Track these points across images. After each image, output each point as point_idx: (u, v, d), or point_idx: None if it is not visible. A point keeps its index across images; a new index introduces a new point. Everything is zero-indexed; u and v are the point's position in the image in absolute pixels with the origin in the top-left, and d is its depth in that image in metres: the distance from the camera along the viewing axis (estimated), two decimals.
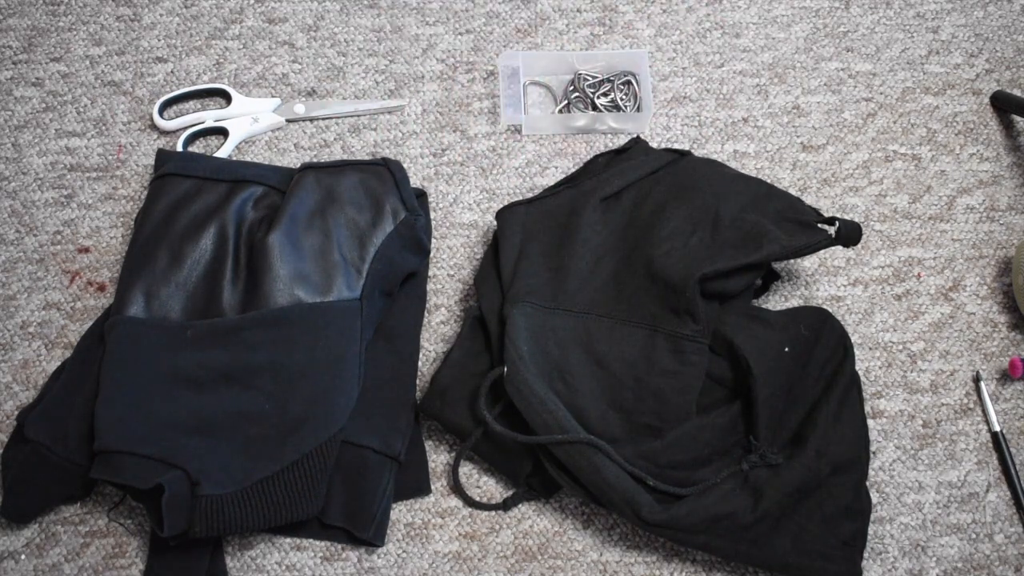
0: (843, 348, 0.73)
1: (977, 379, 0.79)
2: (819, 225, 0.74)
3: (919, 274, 0.83)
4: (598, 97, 0.89)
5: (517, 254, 0.76)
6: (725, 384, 0.73)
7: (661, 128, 0.88)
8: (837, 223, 0.73)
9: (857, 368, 0.75)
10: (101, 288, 0.81)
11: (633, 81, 0.89)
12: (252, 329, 0.71)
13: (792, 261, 0.83)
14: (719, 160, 0.87)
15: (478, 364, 0.73)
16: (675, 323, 0.71)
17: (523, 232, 0.77)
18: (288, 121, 0.87)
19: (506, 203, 0.84)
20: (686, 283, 0.70)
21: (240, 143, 0.86)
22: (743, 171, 0.85)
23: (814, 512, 0.68)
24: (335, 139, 0.87)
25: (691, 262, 0.71)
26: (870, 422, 0.77)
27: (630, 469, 0.67)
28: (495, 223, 0.81)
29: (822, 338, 0.73)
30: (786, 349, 0.72)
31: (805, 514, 0.68)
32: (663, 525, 0.66)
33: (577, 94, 0.89)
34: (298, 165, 0.83)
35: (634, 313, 0.72)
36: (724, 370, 0.73)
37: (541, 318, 0.72)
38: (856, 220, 0.84)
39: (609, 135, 0.88)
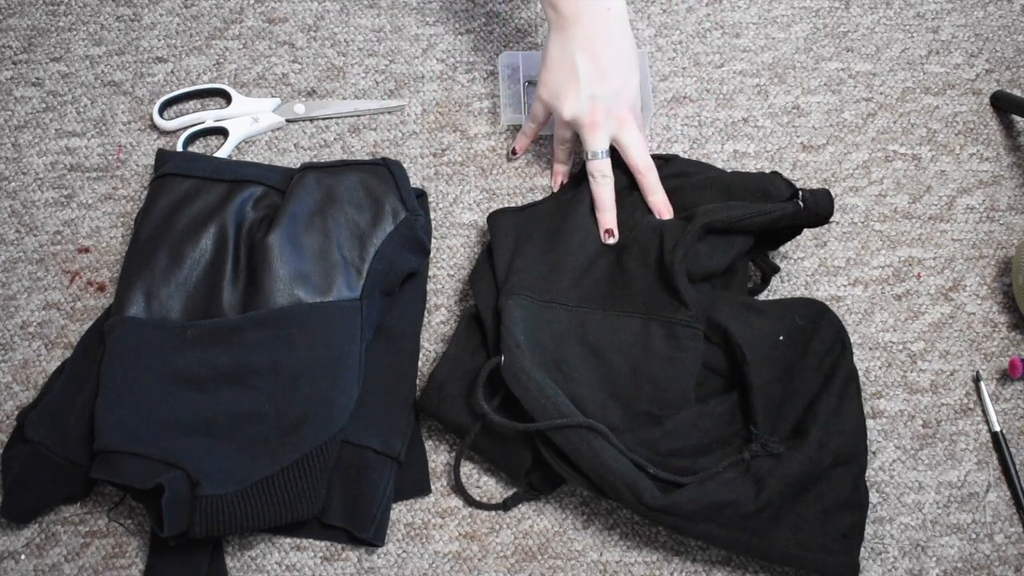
0: (841, 342, 0.73)
1: (977, 379, 0.79)
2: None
3: (919, 274, 0.83)
4: None
5: (512, 252, 0.76)
6: (722, 373, 0.74)
7: (661, 128, 0.88)
8: (801, 192, 0.73)
9: (857, 368, 0.75)
10: (101, 288, 0.81)
11: None
12: (252, 329, 0.71)
13: (792, 261, 0.83)
14: (713, 161, 0.87)
15: (474, 360, 0.73)
16: (668, 309, 0.71)
17: (516, 233, 0.78)
18: (288, 121, 0.87)
19: (506, 203, 0.84)
20: (670, 260, 0.71)
21: (240, 143, 0.86)
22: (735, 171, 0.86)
23: (814, 504, 0.68)
24: (335, 139, 0.87)
25: (669, 239, 0.72)
26: (870, 422, 0.77)
27: (631, 456, 0.67)
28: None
29: (820, 331, 0.74)
30: (780, 338, 0.73)
31: (805, 505, 0.68)
32: (665, 511, 0.66)
33: None
34: (298, 165, 0.83)
35: (627, 303, 0.73)
36: (720, 359, 0.74)
37: (536, 310, 0.72)
38: (856, 220, 0.85)
39: None
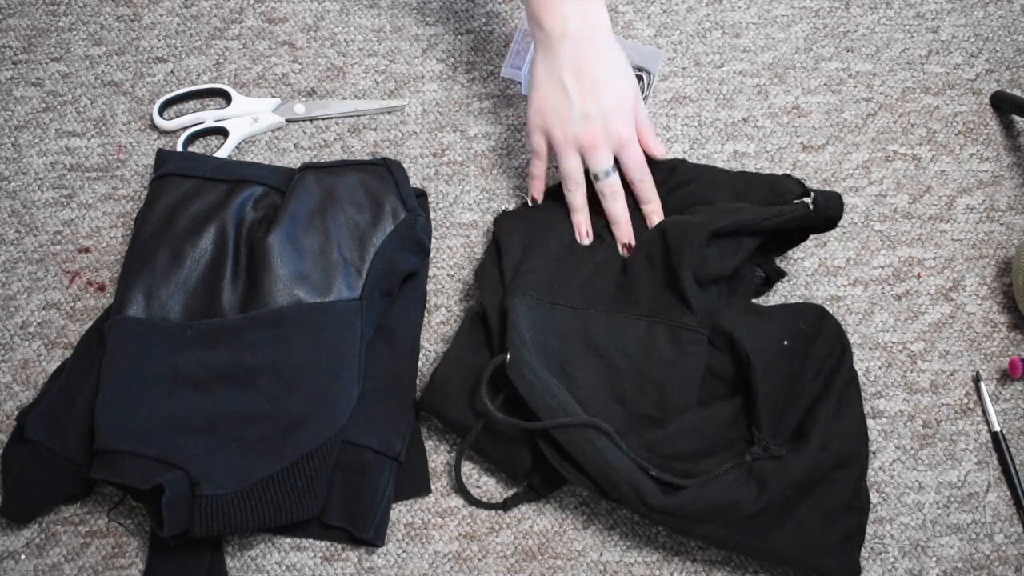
0: (841, 345, 0.74)
1: (977, 379, 0.79)
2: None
3: (919, 274, 0.83)
4: None
5: (520, 254, 0.76)
6: (725, 379, 0.74)
7: (661, 128, 0.88)
8: (813, 194, 0.73)
9: (857, 368, 0.75)
10: (101, 288, 0.81)
11: (644, 78, 0.88)
12: (252, 329, 0.71)
13: (792, 261, 0.83)
14: (713, 161, 0.87)
15: (477, 359, 0.73)
16: (673, 313, 0.71)
17: (524, 235, 0.77)
18: (288, 121, 0.87)
19: (506, 203, 0.84)
20: (677, 264, 0.71)
21: (240, 143, 0.86)
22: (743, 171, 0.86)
23: (816, 506, 0.68)
24: (335, 139, 0.87)
25: (674, 241, 0.72)
26: (870, 422, 0.77)
27: (633, 458, 0.67)
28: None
29: (821, 335, 0.74)
30: (785, 342, 0.73)
31: (807, 508, 0.68)
32: (667, 511, 0.66)
33: None
34: (298, 165, 0.83)
35: (632, 306, 0.73)
36: (725, 365, 0.74)
37: (541, 311, 0.72)
38: (856, 220, 0.85)
39: None
